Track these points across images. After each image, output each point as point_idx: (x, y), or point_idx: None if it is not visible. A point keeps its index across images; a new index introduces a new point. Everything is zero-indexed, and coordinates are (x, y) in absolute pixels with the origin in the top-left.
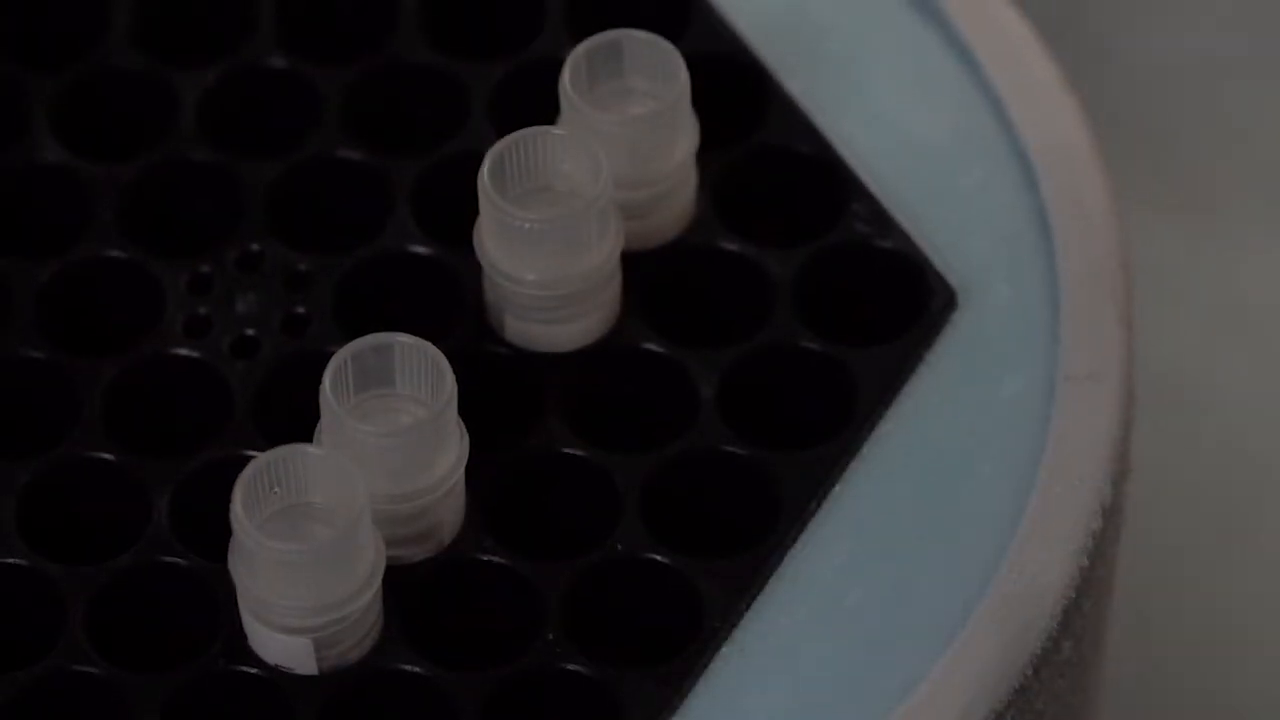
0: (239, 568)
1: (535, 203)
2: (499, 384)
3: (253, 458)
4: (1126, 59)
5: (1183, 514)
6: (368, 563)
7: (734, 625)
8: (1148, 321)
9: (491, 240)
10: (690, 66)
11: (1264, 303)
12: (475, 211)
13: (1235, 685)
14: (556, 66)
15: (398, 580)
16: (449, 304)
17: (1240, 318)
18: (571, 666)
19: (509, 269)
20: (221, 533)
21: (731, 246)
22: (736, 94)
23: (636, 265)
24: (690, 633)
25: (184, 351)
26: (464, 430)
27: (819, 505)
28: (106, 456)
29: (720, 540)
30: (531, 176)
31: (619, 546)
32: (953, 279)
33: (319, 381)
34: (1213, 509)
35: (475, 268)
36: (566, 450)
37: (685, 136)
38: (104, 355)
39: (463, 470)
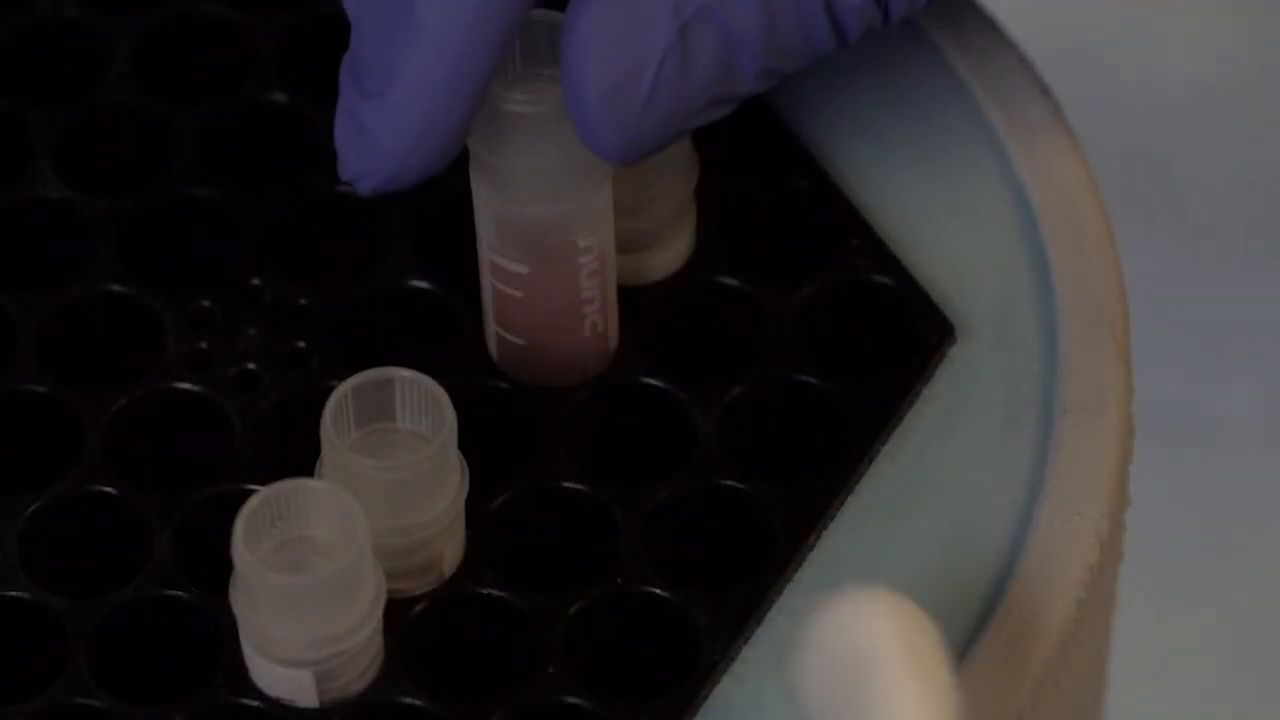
0: (240, 601)
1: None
2: (499, 418)
3: (254, 491)
4: (1123, 92)
5: (1181, 543)
6: (368, 596)
7: (732, 657)
8: (1145, 351)
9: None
10: None
11: (1262, 332)
12: (474, 247)
13: (1237, 707)
14: None
15: (398, 613)
16: (449, 338)
17: (1238, 346)
18: (571, 699)
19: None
20: (223, 566)
21: (731, 281)
22: (737, 129)
23: (636, 300)
24: (689, 665)
25: (185, 386)
26: (464, 464)
27: (817, 538)
28: (109, 490)
29: (719, 573)
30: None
31: (618, 579)
32: (951, 314)
33: (320, 416)
34: (1212, 537)
35: (475, 302)
36: (566, 484)
37: (682, 176)
38: (106, 389)
39: (463, 504)
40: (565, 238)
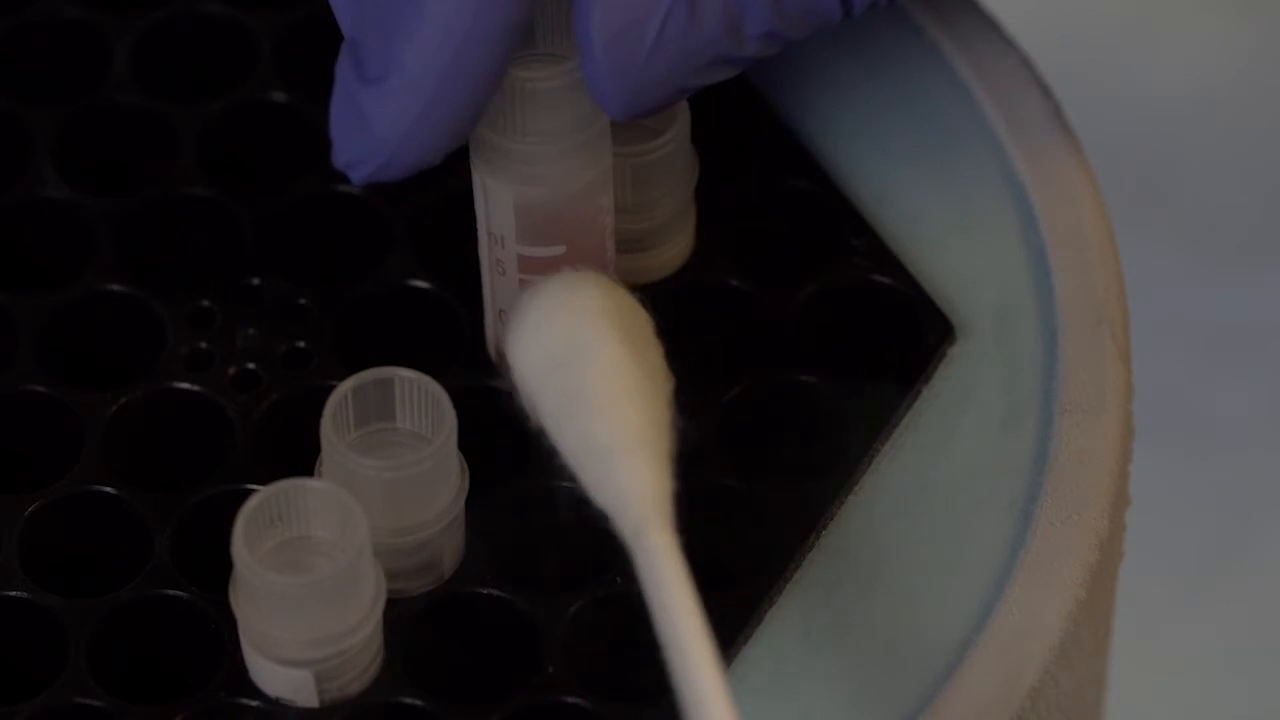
0: (240, 601)
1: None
2: (499, 418)
3: (254, 491)
4: (1123, 92)
5: (1181, 543)
6: (368, 596)
7: (732, 658)
8: (1145, 351)
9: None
10: (694, 101)
11: (1262, 332)
12: (475, 246)
13: (1236, 708)
14: None
15: (398, 613)
16: (449, 338)
17: (1238, 346)
18: (570, 699)
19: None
20: (223, 566)
21: (731, 281)
22: (737, 129)
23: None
24: None
25: (185, 385)
26: (464, 464)
27: (817, 538)
28: (109, 490)
29: (718, 573)
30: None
31: (618, 579)
32: (951, 314)
33: (319, 415)
34: (1212, 537)
35: (475, 303)
36: (566, 484)
37: (682, 176)
38: (106, 389)
39: (463, 504)
40: (594, 203)
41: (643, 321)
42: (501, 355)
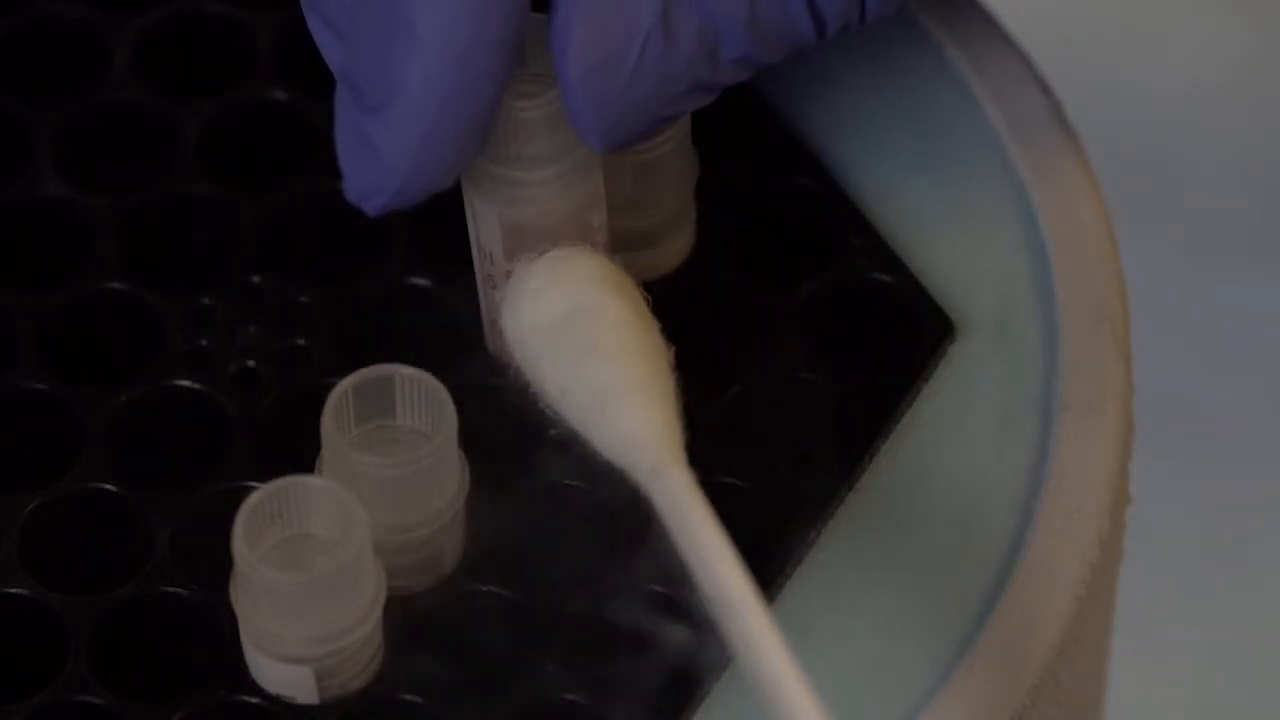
0: (240, 598)
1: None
2: (500, 415)
3: (254, 489)
4: (1123, 92)
5: (1182, 542)
6: (369, 593)
7: (732, 656)
8: (1145, 351)
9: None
10: None
11: (1262, 331)
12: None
13: (1236, 707)
14: None
15: (399, 610)
16: (449, 336)
17: (1238, 346)
18: (571, 697)
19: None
20: (223, 563)
21: (731, 279)
22: (737, 129)
23: None
24: (690, 664)
25: (185, 383)
26: (465, 461)
27: (817, 537)
28: (109, 487)
29: None
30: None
31: (619, 577)
32: (951, 313)
33: (320, 413)
34: (1212, 536)
35: (475, 300)
36: (567, 481)
37: (682, 174)
38: (106, 387)
39: (463, 501)
40: (583, 222)
41: (638, 291)
42: (500, 355)
